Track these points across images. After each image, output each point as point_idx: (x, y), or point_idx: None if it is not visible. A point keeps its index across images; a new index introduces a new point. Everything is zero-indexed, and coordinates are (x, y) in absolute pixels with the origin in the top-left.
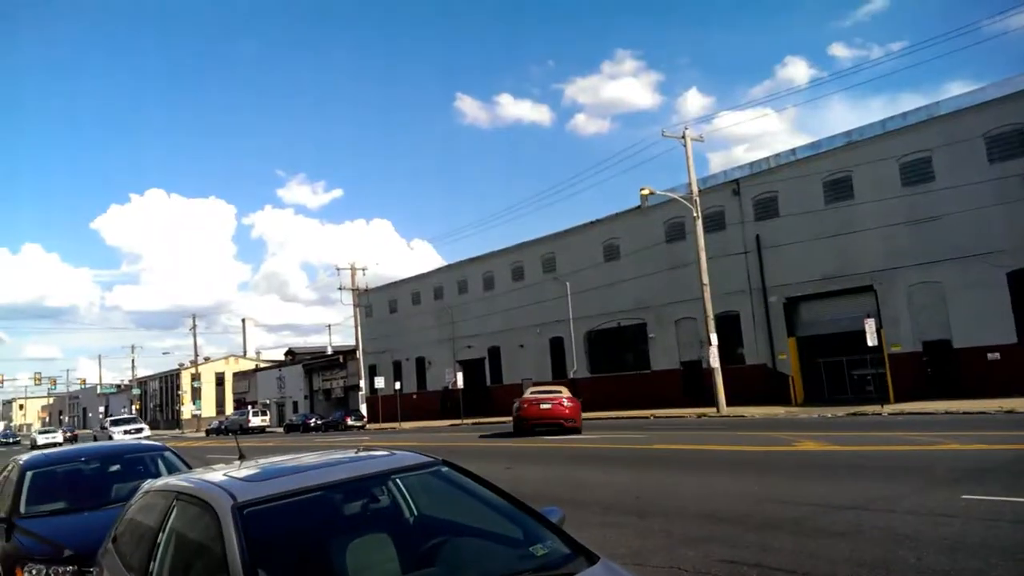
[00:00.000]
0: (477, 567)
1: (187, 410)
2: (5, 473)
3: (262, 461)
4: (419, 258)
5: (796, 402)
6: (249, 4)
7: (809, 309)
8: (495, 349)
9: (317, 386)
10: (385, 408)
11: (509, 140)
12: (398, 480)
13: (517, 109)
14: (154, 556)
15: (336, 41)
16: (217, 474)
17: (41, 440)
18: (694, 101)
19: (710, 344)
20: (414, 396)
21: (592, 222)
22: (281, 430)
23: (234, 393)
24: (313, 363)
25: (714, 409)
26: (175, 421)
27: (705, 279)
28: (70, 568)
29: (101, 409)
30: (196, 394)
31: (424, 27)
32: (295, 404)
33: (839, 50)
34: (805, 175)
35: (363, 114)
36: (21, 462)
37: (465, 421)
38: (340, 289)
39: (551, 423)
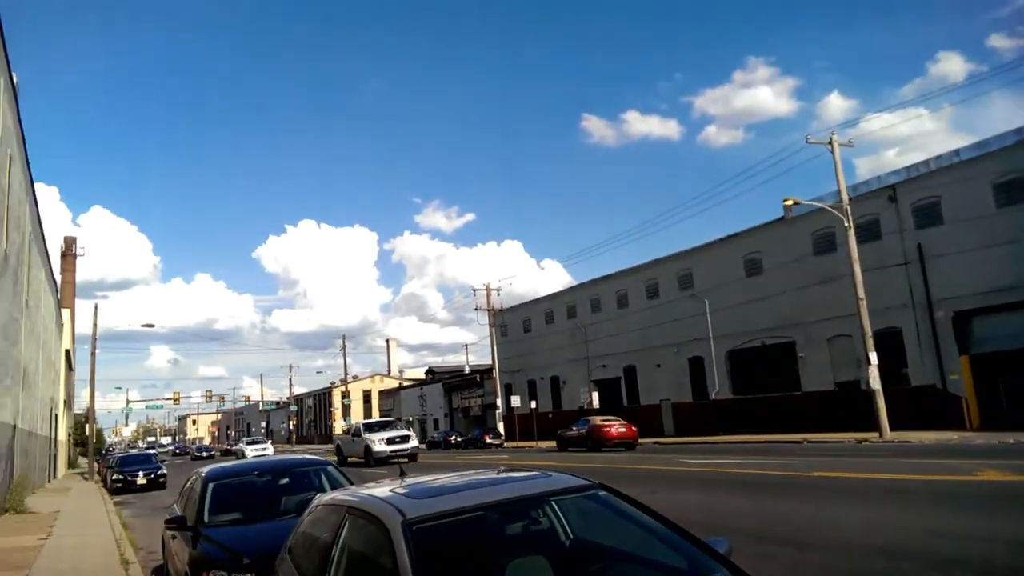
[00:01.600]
0: None
1: (338, 426)
2: (189, 484)
3: (421, 479)
4: (550, 278)
5: (971, 426)
6: (373, 43)
7: (984, 324)
8: (630, 368)
9: (456, 404)
10: (522, 426)
11: (637, 157)
12: (554, 502)
13: (644, 125)
14: (328, 568)
15: (462, 71)
16: (383, 490)
17: (250, 452)
18: (836, 105)
19: (869, 363)
20: (550, 415)
21: (731, 236)
22: (423, 447)
23: (380, 410)
24: (452, 382)
25: (875, 434)
26: (328, 436)
27: (861, 293)
28: (249, 575)
29: (263, 424)
30: (346, 411)
31: (547, 49)
32: (435, 421)
33: (999, 41)
34: (971, 177)
35: (492, 139)
36: (203, 474)
37: None
38: (476, 309)
39: (622, 441)
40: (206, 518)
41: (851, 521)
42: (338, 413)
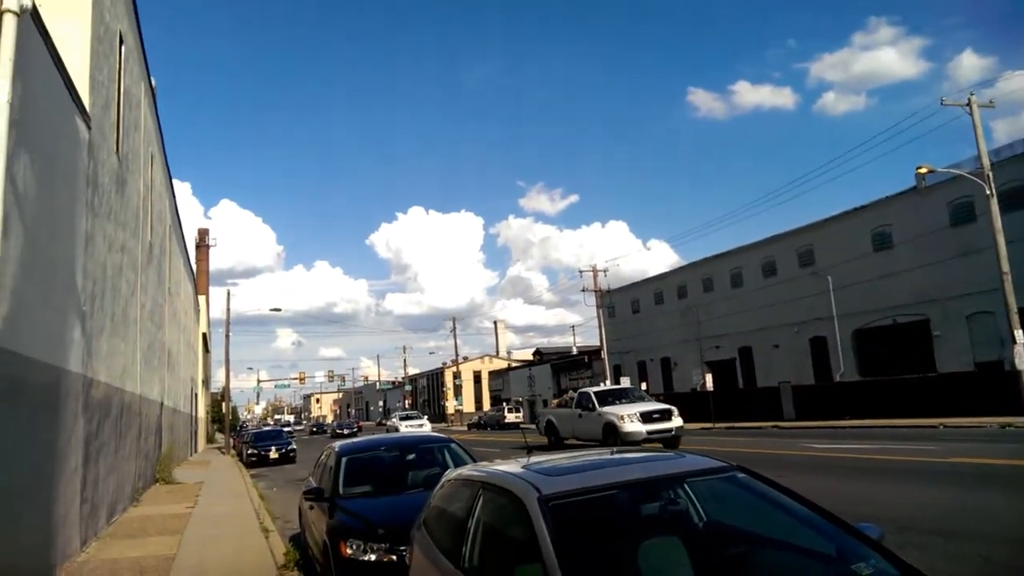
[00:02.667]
0: None
1: (450, 405)
2: (324, 458)
3: (549, 457)
4: (656, 258)
5: None
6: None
7: None
8: (746, 350)
9: (564, 385)
10: None
11: (749, 130)
12: (688, 484)
13: (756, 95)
14: (465, 540)
15: (563, 50)
16: (514, 467)
17: (404, 427)
18: (969, 64)
19: (1014, 342)
20: (660, 397)
21: (857, 208)
22: (533, 426)
23: (490, 390)
24: (560, 363)
25: (1021, 418)
26: (440, 415)
27: (1005, 267)
28: (383, 545)
29: (380, 403)
30: (457, 391)
31: (650, 23)
32: (544, 402)
33: None
34: None
35: (596, 119)
36: (337, 449)
37: (717, 424)
38: (583, 291)
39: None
40: (341, 490)
41: (1004, 510)
42: (450, 393)
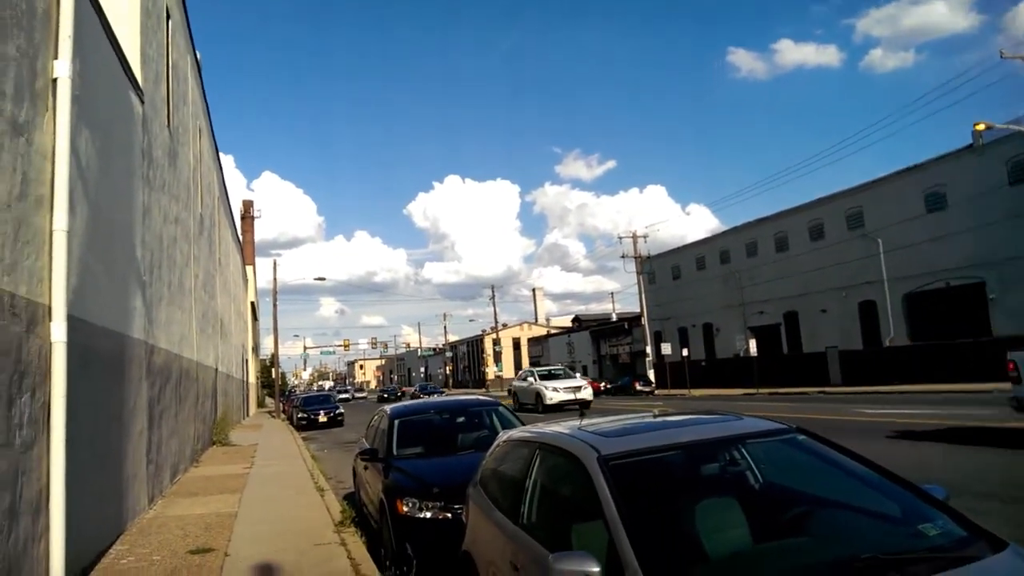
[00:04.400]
0: (855, 542)
1: (490, 371)
2: (376, 421)
3: (599, 420)
4: (696, 223)
5: None
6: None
7: None
8: (791, 315)
9: (604, 351)
10: (673, 374)
11: (792, 89)
12: (745, 445)
13: (798, 54)
14: (523, 499)
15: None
16: (569, 428)
17: (554, 395)
18: None
19: None
20: (703, 363)
21: (909, 168)
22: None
23: (529, 357)
24: (599, 329)
25: None
26: (480, 381)
27: None
28: (438, 504)
29: (422, 370)
30: (497, 357)
31: None
32: (584, 368)
33: None
34: None
35: (632, 83)
36: (388, 411)
37: (760, 390)
38: (622, 257)
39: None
40: (395, 451)
41: None
42: (490, 359)
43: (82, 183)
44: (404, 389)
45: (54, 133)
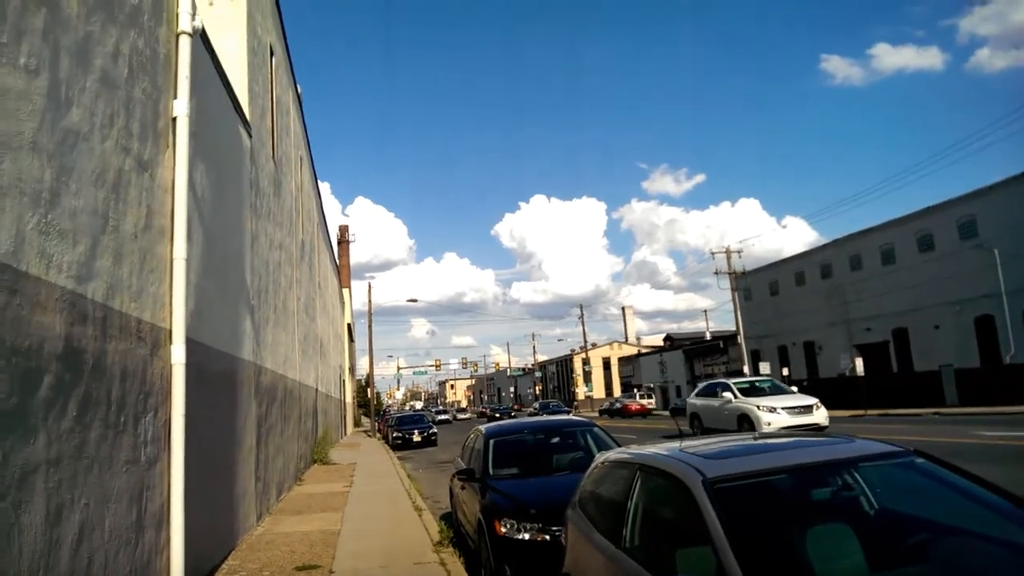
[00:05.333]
0: (982, 573)
1: (580, 391)
2: (471, 441)
3: (702, 441)
4: (793, 237)
5: None
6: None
7: None
8: (901, 331)
9: (698, 371)
10: None
11: (891, 95)
12: (858, 469)
13: (897, 57)
14: (625, 521)
15: (681, 25)
16: (671, 450)
17: (776, 419)
18: None
19: None
20: (804, 383)
21: None
22: (667, 413)
23: (620, 376)
24: (692, 348)
25: None
26: (570, 401)
27: None
28: (536, 525)
29: (511, 389)
30: (587, 377)
31: None
32: (677, 388)
33: None
34: None
35: (722, 95)
36: (483, 431)
37: (868, 411)
38: (715, 273)
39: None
40: (491, 471)
41: None
42: (580, 379)
43: (198, 214)
44: (518, 407)
45: (174, 168)
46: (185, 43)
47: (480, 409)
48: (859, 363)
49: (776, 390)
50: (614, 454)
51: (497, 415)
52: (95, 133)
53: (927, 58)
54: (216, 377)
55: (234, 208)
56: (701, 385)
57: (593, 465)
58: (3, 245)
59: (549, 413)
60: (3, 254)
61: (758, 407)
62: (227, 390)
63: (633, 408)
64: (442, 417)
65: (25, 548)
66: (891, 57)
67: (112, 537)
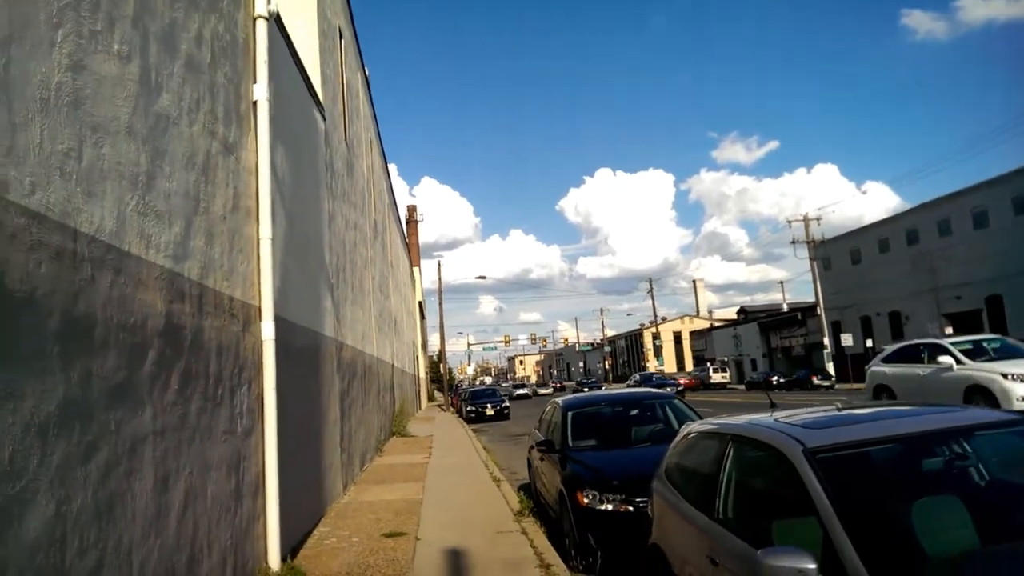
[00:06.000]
0: None
1: (651, 366)
2: (548, 413)
3: (795, 412)
4: (874, 202)
5: None
6: None
7: None
8: (994, 299)
9: (775, 344)
10: (855, 367)
11: (979, 49)
12: (970, 438)
13: (985, 9)
14: (718, 492)
15: None
16: (765, 419)
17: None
18: None
19: None
20: None
21: None
22: (742, 387)
23: (692, 351)
24: (768, 321)
25: None
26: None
27: None
28: (618, 496)
29: (580, 364)
30: (657, 351)
31: None
32: (753, 362)
33: None
34: None
35: (793, 58)
36: (561, 404)
37: None
38: (792, 243)
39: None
40: (570, 443)
41: None
42: (650, 353)
43: (280, 195)
44: (604, 384)
45: (256, 151)
46: (262, 27)
47: (554, 383)
48: (949, 332)
49: (1009, 351)
50: (702, 425)
51: (586, 388)
52: (183, 117)
53: (1019, 7)
54: (302, 353)
55: (312, 189)
56: (892, 348)
57: (680, 436)
58: (107, 226)
59: (652, 384)
60: (107, 235)
61: (1005, 375)
62: (312, 365)
63: (682, 382)
64: (520, 391)
65: (138, 514)
66: (978, 8)
67: (214, 504)
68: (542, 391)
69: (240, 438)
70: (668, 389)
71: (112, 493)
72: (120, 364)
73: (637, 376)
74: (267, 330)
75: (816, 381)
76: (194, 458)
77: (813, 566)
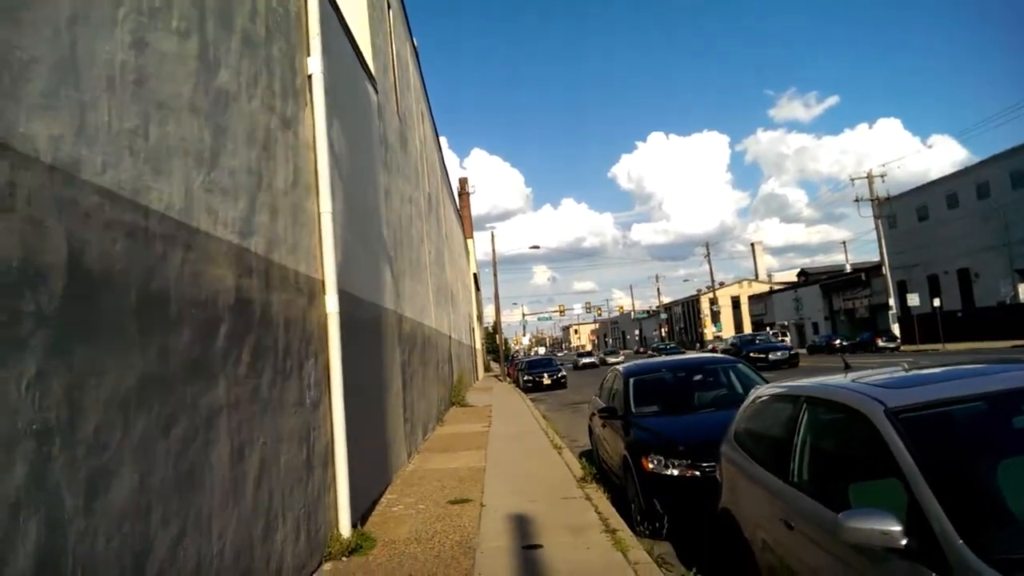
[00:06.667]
0: None
1: (708, 332)
2: (609, 380)
3: (871, 372)
4: (941, 157)
5: None
6: None
7: None
8: None
9: (837, 306)
10: (921, 328)
11: None
12: None
13: None
14: (792, 455)
15: None
16: (842, 381)
17: None
18: None
19: None
20: (958, 314)
21: None
22: (804, 351)
23: (751, 315)
24: (830, 283)
25: None
26: (699, 342)
27: None
28: (684, 461)
29: (636, 332)
30: (715, 317)
31: None
32: (815, 325)
33: None
34: None
35: (854, 5)
36: (621, 370)
37: None
38: (856, 201)
39: None
40: (633, 409)
41: None
42: (707, 320)
43: (337, 169)
44: (642, 349)
45: (312, 125)
46: (313, 0)
47: (624, 351)
48: (1022, 290)
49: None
50: (773, 388)
51: (661, 354)
52: (243, 93)
53: None
54: (364, 325)
55: (367, 164)
56: None
57: (749, 400)
58: (176, 203)
59: (755, 348)
60: (177, 212)
61: None
62: (374, 338)
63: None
64: (586, 360)
65: (216, 484)
66: None
67: (287, 474)
68: (612, 359)
69: (309, 409)
70: (779, 354)
71: (191, 464)
72: (194, 339)
73: (734, 339)
74: (331, 303)
75: (881, 343)
76: (267, 429)
77: (899, 528)
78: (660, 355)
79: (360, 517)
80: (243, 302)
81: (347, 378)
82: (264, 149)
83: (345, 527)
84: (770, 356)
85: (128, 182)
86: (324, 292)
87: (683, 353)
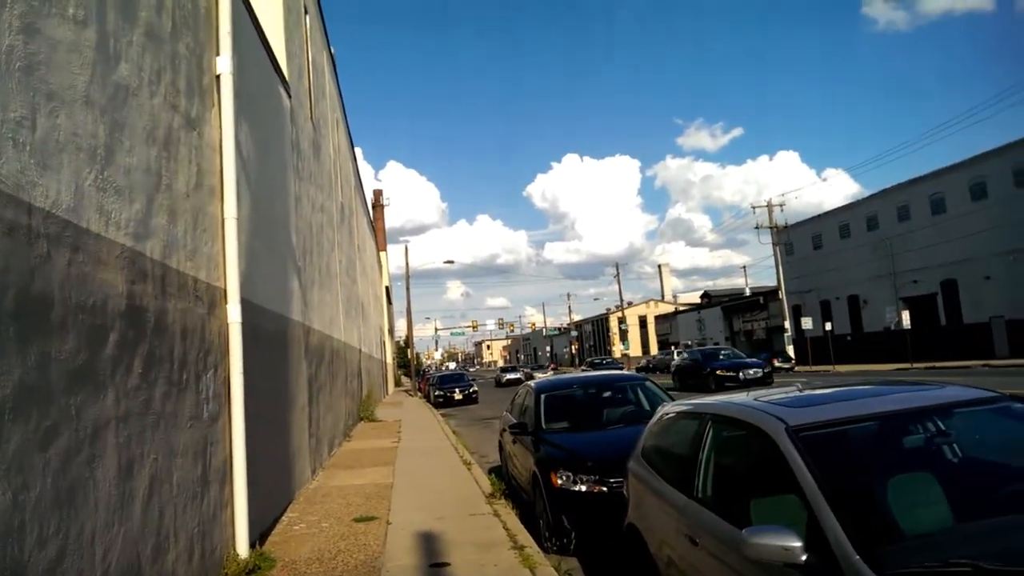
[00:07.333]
0: None
1: (617, 350)
2: (521, 396)
3: (772, 391)
4: (834, 189)
5: None
6: None
7: None
8: (949, 283)
9: (737, 327)
10: (814, 350)
11: (938, 39)
12: (948, 416)
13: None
14: (697, 471)
15: None
16: (744, 399)
17: None
18: None
19: None
20: (847, 338)
21: None
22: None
23: (657, 335)
24: (731, 305)
25: None
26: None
27: None
28: (592, 477)
29: (547, 349)
30: (623, 336)
31: None
32: (716, 345)
33: None
34: None
35: (758, 43)
36: (534, 386)
37: (915, 365)
38: (756, 228)
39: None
40: (543, 425)
41: None
42: (616, 338)
43: (245, 174)
44: (554, 366)
45: (220, 127)
46: None
47: (552, 365)
48: (905, 316)
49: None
50: (680, 405)
51: (598, 368)
52: (144, 89)
53: None
54: (269, 337)
55: (278, 169)
56: None
57: (657, 417)
58: (64, 201)
59: (720, 365)
60: (64, 210)
61: None
62: (280, 350)
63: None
64: (511, 376)
65: (101, 502)
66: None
67: (180, 491)
68: (538, 374)
69: (206, 423)
70: (752, 372)
71: (73, 480)
72: (80, 346)
73: (689, 353)
74: (233, 313)
75: (777, 364)
76: (159, 444)
77: (799, 543)
78: (597, 370)
79: (260, 536)
80: (136, 309)
81: (249, 391)
82: (165, 148)
83: (243, 547)
84: (741, 375)
85: (10, 176)
86: (226, 301)
87: (622, 368)
